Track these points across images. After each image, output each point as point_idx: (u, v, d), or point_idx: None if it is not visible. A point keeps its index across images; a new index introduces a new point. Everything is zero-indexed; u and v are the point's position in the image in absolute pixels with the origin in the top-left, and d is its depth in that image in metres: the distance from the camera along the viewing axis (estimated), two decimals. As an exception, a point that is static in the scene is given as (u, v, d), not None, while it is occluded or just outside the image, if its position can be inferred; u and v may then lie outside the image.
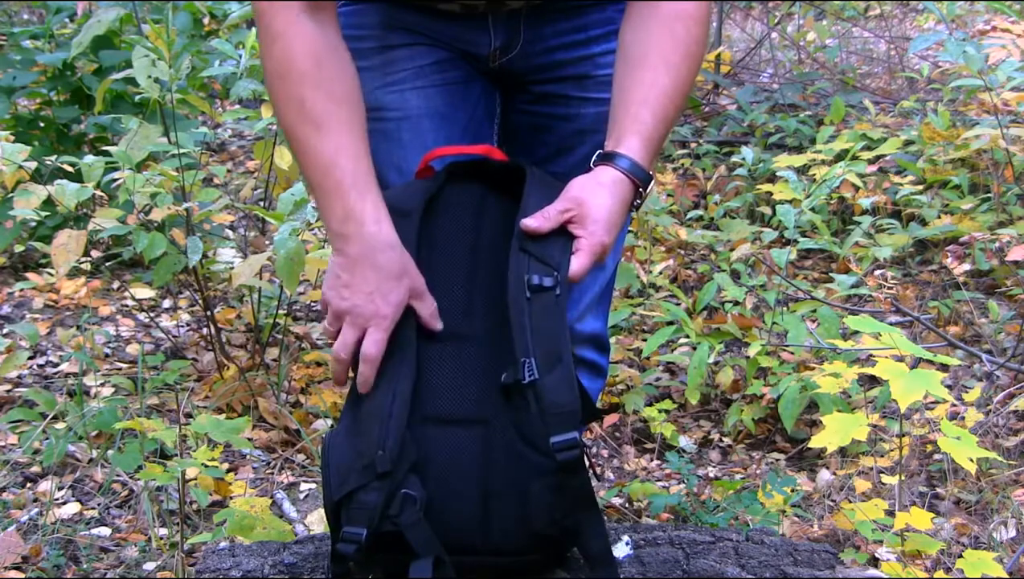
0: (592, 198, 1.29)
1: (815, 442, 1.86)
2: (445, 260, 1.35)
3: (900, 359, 1.90)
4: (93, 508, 2.39)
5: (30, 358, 3.12)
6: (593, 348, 1.69)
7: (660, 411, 2.70)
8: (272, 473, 2.55)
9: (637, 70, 1.35)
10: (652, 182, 1.33)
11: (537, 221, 1.28)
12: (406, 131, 1.50)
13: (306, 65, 1.32)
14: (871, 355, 2.23)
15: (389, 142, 1.51)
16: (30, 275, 3.44)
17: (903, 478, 2.33)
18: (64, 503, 2.40)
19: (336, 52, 1.35)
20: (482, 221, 1.37)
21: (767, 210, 3.80)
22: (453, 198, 1.38)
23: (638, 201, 1.33)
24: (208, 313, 2.97)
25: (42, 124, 3.94)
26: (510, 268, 1.27)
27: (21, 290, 3.52)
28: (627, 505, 2.38)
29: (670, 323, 2.86)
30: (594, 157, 1.33)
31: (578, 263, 1.27)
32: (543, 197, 1.32)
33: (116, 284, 3.63)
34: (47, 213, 2.91)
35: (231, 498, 2.21)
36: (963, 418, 2.28)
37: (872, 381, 2.60)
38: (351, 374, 1.31)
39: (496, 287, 1.32)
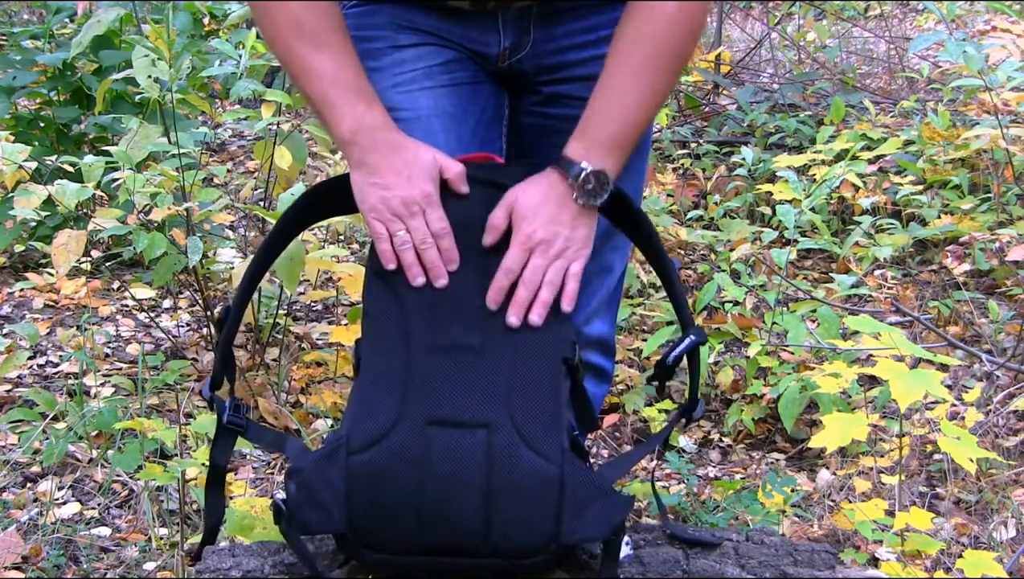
0: (520, 195, 1.34)
1: (815, 442, 1.86)
2: (452, 270, 1.35)
3: (900, 359, 1.90)
4: (93, 508, 2.39)
5: (30, 358, 3.12)
6: (599, 352, 1.69)
7: (660, 411, 2.70)
8: (272, 473, 2.55)
9: (602, 77, 1.36)
10: (584, 171, 1.33)
11: (490, 236, 1.34)
12: (416, 131, 1.50)
13: None
14: (871, 355, 2.23)
15: None
16: (30, 275, 3.44)
17: (903, 478, 2.33)
18: (64, 503, 2.40)
19: None
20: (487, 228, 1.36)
21: (767, 210, 3.80)
22: (457, 204, 1.37)
23: (580, 191, 1.34)
24: (208, 313, 2.97)
25: (42, 124, 3.94)
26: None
27: (21, 290, 3.52)
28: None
29: (670, 323, 2.86)
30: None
31: (508, 256, 1.32)
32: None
33: (116, 284, 3.63)
34: (47, 213, 2.92)
35: (231, 498, 2.21)
36: (963, 418, 2.28)
37: (872, 381, 2.60)
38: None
39: None
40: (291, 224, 1.45)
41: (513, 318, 1.31)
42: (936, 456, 2.47)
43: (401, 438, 1.25)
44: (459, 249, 1.35)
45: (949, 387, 2.75)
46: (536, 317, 1.31)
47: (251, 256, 1.47)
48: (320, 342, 3.16)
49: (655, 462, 2.64)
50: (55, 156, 3.09)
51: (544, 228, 1.32)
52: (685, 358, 1.40)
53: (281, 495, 1.30)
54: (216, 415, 1.38)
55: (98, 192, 2.86)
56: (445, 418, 1.26)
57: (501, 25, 1.51)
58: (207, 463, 1.93)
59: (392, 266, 1.34)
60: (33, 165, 2.64)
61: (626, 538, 1.35)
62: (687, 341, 1.39)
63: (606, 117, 1.34)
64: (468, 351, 1.30)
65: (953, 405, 2.44)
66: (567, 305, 1.34)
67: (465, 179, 1.36)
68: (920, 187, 3.72)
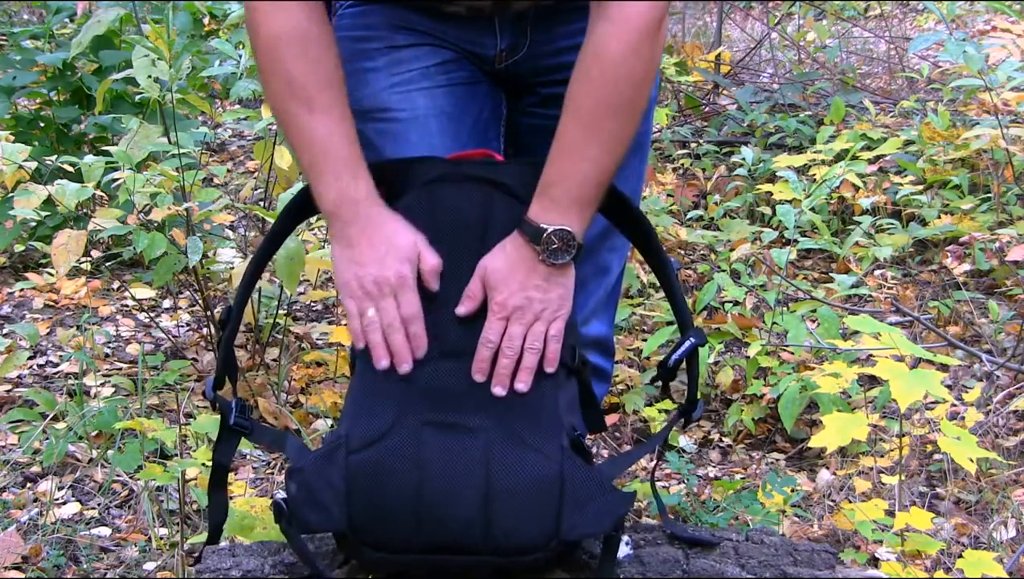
0: (489, 263, 1.31)
1: (815, 442, 1.86)
2: (450, 266, 1.34)
3: (900, 359, 1.90)
4: (93, 508, 2.39)
5: (30, 358, 3.11)
6: (598, 352, 1.68)
7: (660, 411, 2.70)
8: (272, 473, 2.55)
9: (557, 131, 1.32)
10: (546, 231, 1.29)
11: (464, 306, 1.32)
12: (414, 131, 1.50)
13: (293, 45, 1.33)
14: (871, 355, 2.23)
15: (397, 142, 1.51)
16: (30, 275, 3.44)
17: (903, 478, 2.33)
18: (64, 503, 2.40)
19: (322, 35, 1.36)
20: (488, 227, 1.35)
21: (767, 210, 3.80)
22: (457, 203, 1.36)
23: (546, 252, 1.30)
24: (208, 313, 2.97)
25: (42, 124, 3.94)
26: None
27: (21, 290, 3.52)
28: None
29: (670, 323, 2.86)
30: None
31: (486, 326, 1.30)
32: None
33: (116, 284, 3.63)
34: (47, 213, 2.92)
35: (231, 498, 2.21)
36: (963, 418, 2.28)
37: (872, 381, 2.60)
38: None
39: None
40: (291, 219, 1.45)
41: (499, 389, 1.29)
42: (936, 456, 2.47)
43: (400, 437, 1.26)
44: (455, 249, 1.34)
45: (949, 387, 2.75)
46: (522, 385, 1.30)
47: (251, 256, 1.47)
48: (320, 342, 3.16)
49: (655, 462, 2.64)
50: (55, 156, 3.09)
51: (516, 295, 1.30)
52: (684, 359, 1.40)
53: (281, 494, 1.30)
54: (220, 416, 1.38)
55: (98, 192, 2.86)
56: (444, 421, 1.27)
57: (498, 28, 1.51)
58: (207, 463, 1.94)
59: (360, 345, 1.32)
60: (33, 165, 2.64)
61: (626, 538, 1.36)
62: (687, 344, 1.38)
63: (562, 177, 1.31)
64: (465, 353, 1.30)
65: (953, 405, 2.44)
66: (549, 367, 1.31)
67: (438, 276, 1.33)
68: (920, 187, 3.72)
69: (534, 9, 1.48)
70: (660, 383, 1.45)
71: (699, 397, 1.43)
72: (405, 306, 1.31)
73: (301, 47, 1.33)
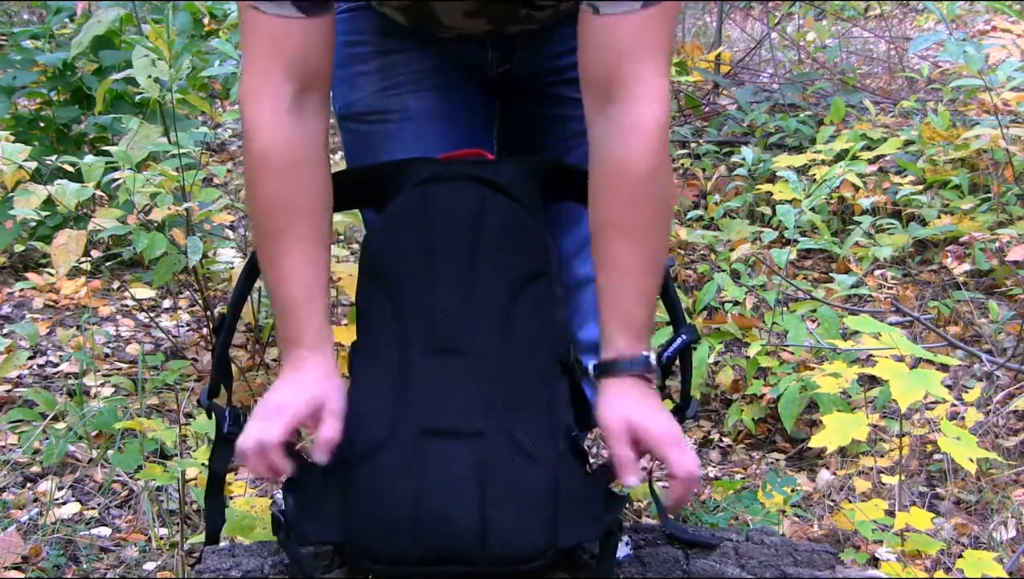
0: (633, 419, 1.27)
1: (815, 442, 1.86)
2: (444, 268, 1.33)
3: (900, 359, 1.90)
4: (93, 508, 2.39)
5: (30, 358, 3.11)
6: (595, 356, 1.68)
7: (660, 411, 2.69)
8: (272, 473, 2.55)
9: (609, 245, 1.30)
10: (650, 358, 1.30)
11: (633, 477, 1.27)
12: (408, 132, 1.50)
13: (280, 169, 1.30)
14: (871, 355, 2.23)
15: (392, 143, 1.50)
16: (30, 275, 3.44)
17: (903, 478, 2.33)
18: (64, 503, 2.40)
19: (311, 159, 1.32)
20: (482, 227, 1.34)
21: (767, 210, 3.80)
22: (451, 203, 1.35)
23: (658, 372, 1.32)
24: (208, 313, 2.97)
25: (42, 124, 3.94)
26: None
27: (21, 290, 3.52)
28: (627, 505, 2.38)
29: (669, 323, 2.85)
30: (597, 365, 1.32)
31: (673, 494, 1.28)
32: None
33: (116, 284, 3.63)
34: (47, 213, 2.91)
35: (231, 498, 2.21)
36: (963, 418, 2.28)
37: (872, 381, 2.60)
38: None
39: (496, 296, 1.32)
40: None
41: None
42: (936, 456, 2.47)
43: (396, 449, 1.25)
44: (448, 248, 1.33)
45: (949, 387, 2.75)
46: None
47: (247, 259, 1.46)
48: (320, 342, 3.16)
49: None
50: (55, 156, 3.09)
51: (667, 424, 1.29)
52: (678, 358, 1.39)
53: (279, 495, 1.30)
54: (215, 423, 1.38)
55: (98, 192, 2.86)
56: (439, 428, 1.26)
57: (489, 45, 1.51)
58: (207, 463, 1.94)
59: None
60: (33, 165, 2.64)
61: (626, 538, 1.36)
62: (679, 341, 1.38)
63: (638, 302, 1.30)
64: (461, 356, 1.30)
65: (953, 405, 2.44)
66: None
67: (329, 450, 1.26)
68: (920, 187, 3.72)
69: (523, 31, 1.49)
70: (657, 383, 1.45)
71: (693, 396, 1.43)
72: (264, 432, 1.26)
73: (287, 173, 1.30)
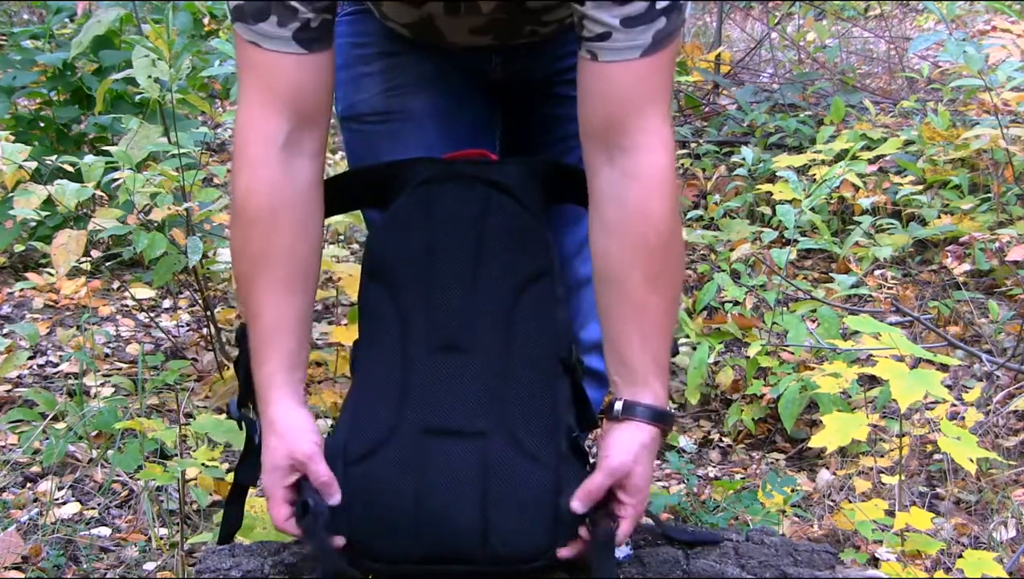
0: (636, 467, 1.26)
1: (815, 442, 1.86)
2: (446, 267, 1.33)
3: (900, 359, 1.90)
4: (93, 508, 2.38)
5: (30, 358, 3.11)
6: (598, 355, 1.68)
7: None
8: (272, 473, 2.55)
9: (632, 291, 1.29)
10: (669, 412, 1.31)
11: (581, 503, 1.26)
12: (411, 132, 1.50)
13: (261, 212, 1.30)
14: (871, 355, 2.23)
15: (395, 143, 1.51)
16: (30, 275, 3.44)
17: (903, 478, 2.33)
18: (64, 503, 2.39)
19: (296, 202, 1.31)
20: (486, 227, 1.34)
21: (767, 210, 3.80)
22: (454, 203, 1.35)
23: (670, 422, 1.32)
24: (208, 313, 2.97)
25: (42, 124, 3.94)
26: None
27: (21, 290, 3.52)
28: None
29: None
30: (619, 405, 1.29)
31: (622, 531, 1.26)
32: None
33: (116, 284, 3.63)
34: (47, 213, 2.91)
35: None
36: (963, 418, 2.28)
37: (872, 381, 2.60)
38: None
39: (499, 296, 1.32)
40: None
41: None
42: (936, 456, 2.47)
43: (398, 448, 1.25)
44: (451, 248, 1.33)
45: (949, 387, 2.75)
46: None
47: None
48: (320, 342, 3.16)
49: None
50: (55, 156, 3.09)
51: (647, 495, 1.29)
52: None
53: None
54: (246, 434, 1.35)
55: (98, 192, 2.86)
56: (441, 427, 1.26)
57: (493, 53, 1.51)
58: (207, 463, 1.94)
59: None
60: (33, 165, 2.64)
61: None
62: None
63: (658, 348, 1.29)
64: (464, 355, 1.30)
65: (953, 405, 2.44)
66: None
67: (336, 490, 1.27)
68: (920, 187, 3.72)
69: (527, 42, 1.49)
70: None
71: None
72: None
73: (269, 218, 1.29)
